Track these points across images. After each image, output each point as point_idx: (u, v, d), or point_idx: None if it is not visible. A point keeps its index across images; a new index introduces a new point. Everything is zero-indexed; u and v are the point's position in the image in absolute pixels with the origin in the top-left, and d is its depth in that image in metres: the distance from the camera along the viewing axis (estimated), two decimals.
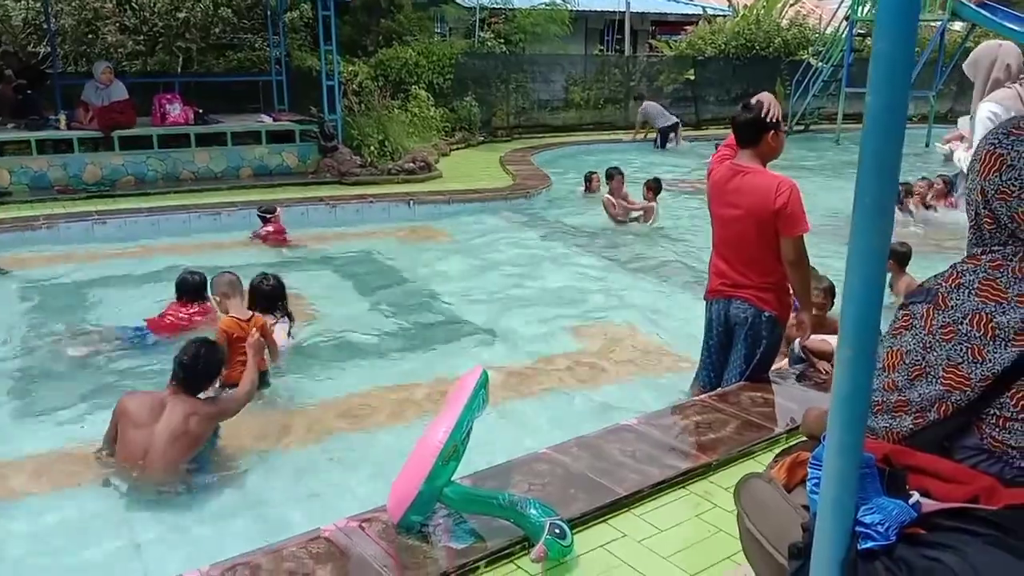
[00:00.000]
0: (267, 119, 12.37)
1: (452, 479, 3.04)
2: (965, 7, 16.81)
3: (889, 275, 6.71)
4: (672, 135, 17.56)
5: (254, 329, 4.77)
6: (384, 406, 4.83)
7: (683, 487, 3.48)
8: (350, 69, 13.68)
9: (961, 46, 19.82)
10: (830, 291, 5.31)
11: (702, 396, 4.30)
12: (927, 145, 17.67)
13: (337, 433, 4.56)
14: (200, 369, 4.13)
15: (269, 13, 14.61)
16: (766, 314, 4.20)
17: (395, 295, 7.17)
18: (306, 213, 9.94)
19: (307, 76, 13.65)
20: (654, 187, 10.17)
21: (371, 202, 10.38)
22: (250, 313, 5.05)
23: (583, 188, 11.84)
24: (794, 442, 3.31)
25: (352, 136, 12.44)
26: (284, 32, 14.44)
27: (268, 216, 8.87)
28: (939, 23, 17.29)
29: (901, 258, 6.58)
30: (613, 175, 10.38)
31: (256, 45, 15.97)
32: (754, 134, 4.10)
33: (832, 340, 4.65)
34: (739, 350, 4.35)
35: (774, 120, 4.09)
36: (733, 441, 3.82)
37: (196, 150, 11.35)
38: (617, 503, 3.29)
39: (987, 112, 3.79)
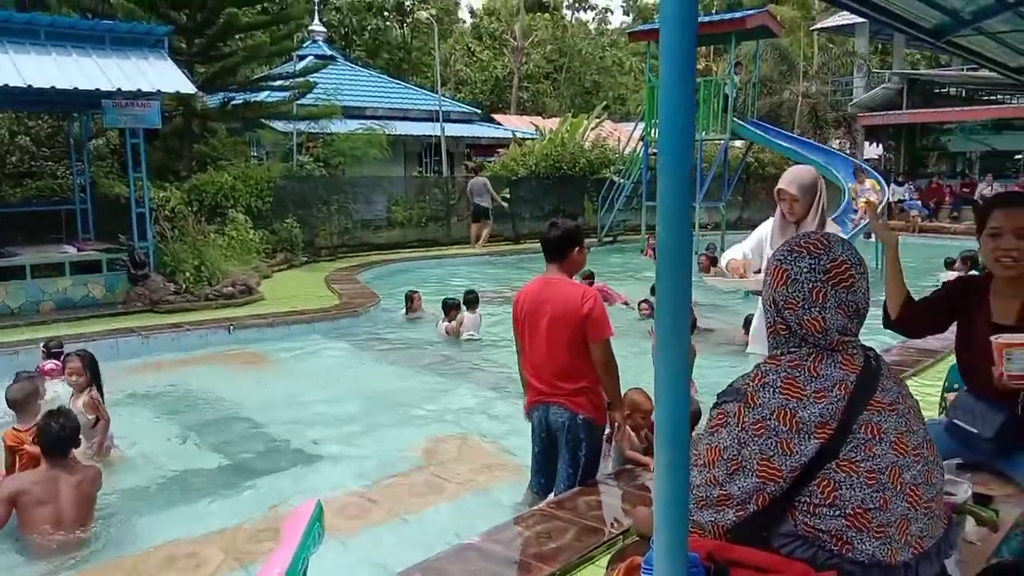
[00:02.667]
0: (71, 249, 11.67)
1: None
2: (742, 127, 18.84)
3: None
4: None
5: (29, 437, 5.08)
6: (213, 551, 4.51)
7: None
8: (162, 195, 13.26)
9: (742, 161, 22.11)
10: None
11: (541, 505, 4.35)
12: (721, 249, 19.32)
13: None
14: (65, 436, 4.60)
15: (72, 141, 14.01)
16: (580, 417, 4.40)
17: (218, 427, 6.81)
18: (115, 346, 9.33)
19: (115, 203, 13.09)
20: (470, 300, 10.37)
21: (187, 330, 9.93)
22: (31, 424, 5.18)
23: (404, 309, 11.54)
24: (629, 542, 3.43)
25: (165, 263, 11.95)
26: (89, 159, 13.87)
27: (60, 351, 7.73)
28: (722, 141, 19.22)
29: None
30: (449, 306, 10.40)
31: (58, 173, 15.18)
32: (560, 250, 4.45)
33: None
34: (563, 456, 4.51)
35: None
36: (573, 548, 3.87)
37: None
38: None
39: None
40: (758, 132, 19.11)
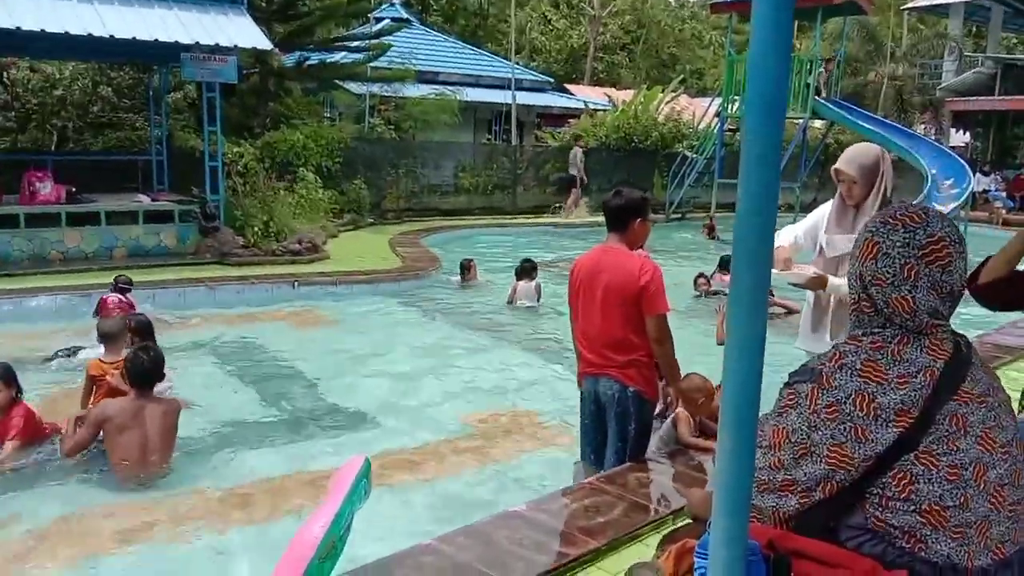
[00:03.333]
0: (145, 199, 11.95)
1: None
2: (824, 106, 18.22)
3: None
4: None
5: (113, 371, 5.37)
6: (264, 499, 4.58)
7: (573, 573, 3.41)
8: (235, 151, 13.46)
9: (822, 141, 21.41)
10: None
11: (589, 479, 4.27)
12: None
13: (216, 527, 4.26)
14: (152, 369, 4.85)
15: (152, 93, 14.31)
16: (631, 390, 4.28)
17: (277, 381, 6.90)
18: (183, 295, 9.57)
19: (190, 157, 13.35)
20: (526, 269, 10.26)
21: (253, 283, 10.10)
22: (119, 357, 5.48)
23: (459, 277, 11.38)
24: (680, 523, 3.32)
25: (235, 217, 12.16)
26: (167, 112, 14.16)
27: (127, 288, 8.20)
28: (801, 120, 18.62)
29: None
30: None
31: (137, 124, 15.59)
32: (621, 219, 4.31)
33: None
34: (612, 429, 4.42)
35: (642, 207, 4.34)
36: (620, 525, 3.79)
37: (67, 230, 10.81)
38: None
39: None
40: (840, 112, 18.46)
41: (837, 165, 4.02)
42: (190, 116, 15.67)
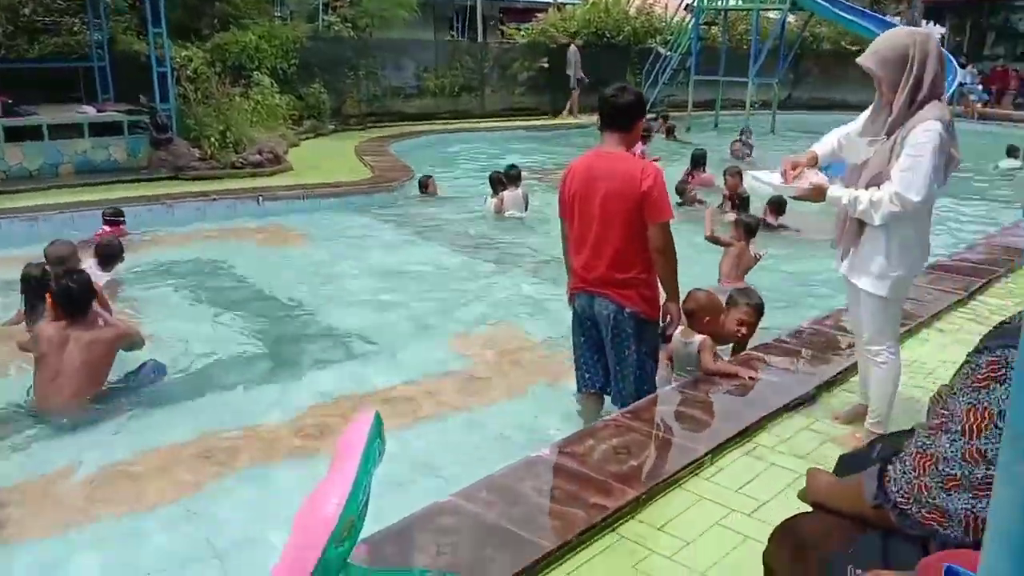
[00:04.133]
0: (90, 110, 11.02)
1: (348, 561, 2.45)
2: None
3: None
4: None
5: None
6: (249, 446, 4.11)
7: (612, 530, 3.04)
8: (183, 54, 12.46)
9: (799, 35, 20.68)
10: (758, 309, 4.81)
11: (615, 416, 3.88)
12: (772, 131, 18.33)
13: (195, 484, 3.80)
14: (75, 293, 4.44)
15: None
16: (627, 311, 3.93)
17: (250, 309, 6.34)
18: (139, 214, 8.84)
19: (134, 62, 12.32)
20: (512, 176, 9.69)
21: (214, 199, 9.41)
22: None
23: (419, 192, 10.62)
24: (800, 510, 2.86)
25: (189, 127, 11.31)
26: (106, 14, 12.99)
27: (118, 220, 7.89)
28: (779, 13, 17.87)
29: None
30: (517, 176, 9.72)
31: (75, 28, 14.32)
32: (628, 118, 3.91)
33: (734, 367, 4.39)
34: (611, 354, 4.08)
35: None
36: (657, 468, 3.42)
37: (7, 146, 9.91)
38: (544, 560, 2.81)
39: (935, 135, 3.27)
40: (819, 3, 17.71)
41: (858, 58, 3.47)
42: (132, 17, 14.44)
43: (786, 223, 8.69)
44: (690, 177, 10.71)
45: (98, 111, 11.03)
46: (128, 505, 3.62)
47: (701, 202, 9.93)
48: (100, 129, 10.68)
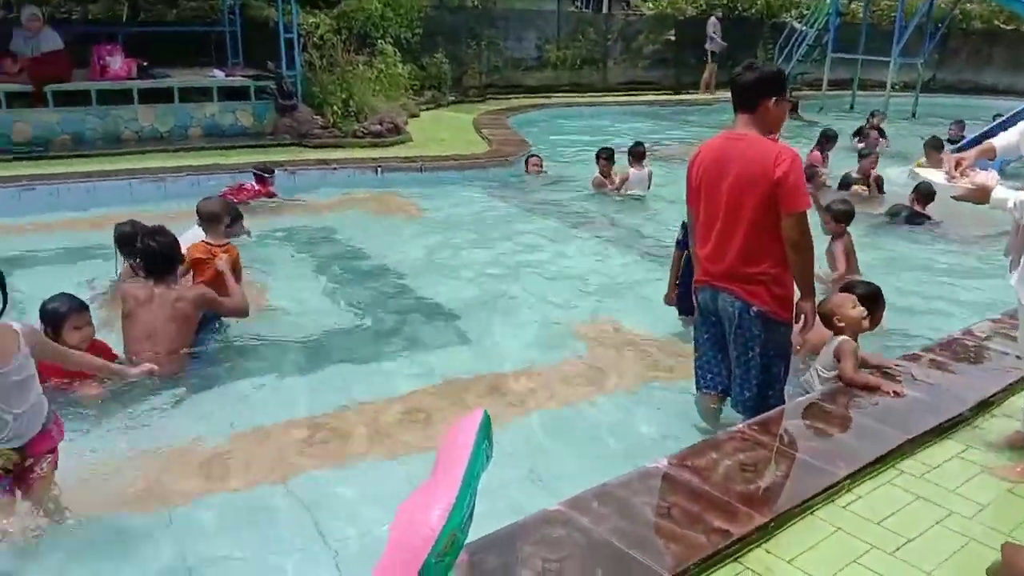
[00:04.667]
0: (219, 74, 11.28)
1: None
2: None
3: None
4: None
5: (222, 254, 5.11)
6: (354, 429, 4.00)
7: (736, 560, 2.76)
8: (310, 21, 12.58)
9: (949, 12, 19.20)
10: (871, 298, 4.24)
11: (740, 427, 3.55)
12: (914, 115, 17.13)
13: (298, 465, 3.72)
14: (161, 253, 4.51)
15: None
16: (755, 309, 3.62)
17: (362, 282, 6.29)
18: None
19: (263, 27, 12.52)
20: (638, 153, 9.31)
21: (335, 168, 9.46)
22: (225, 241, 5.32)
23: (524, 167, 10.19)
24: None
25: (313, 94, 11.42)
26: None
27: (266, 176, 8.26)
28: None
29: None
30: (600, 156, 9.37)
31: None
32: (753, 98, 3.58)
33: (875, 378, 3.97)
34: (734, 354, 3.78)
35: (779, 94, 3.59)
36: (787, 492, 3.10)
37: (140, 107, 10.27)
38: None
39: None
40: None
41: None
42: None
43: (933, 215, 7.99)
44: (822, 158, 10.05)
45: (227, 75, 11.28)
46: (232, 482, 3.56)
47: (829, 187, 9.32)
48: (228, 94, 10.93)
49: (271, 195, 8.31)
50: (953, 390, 3.98)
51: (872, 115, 13.10)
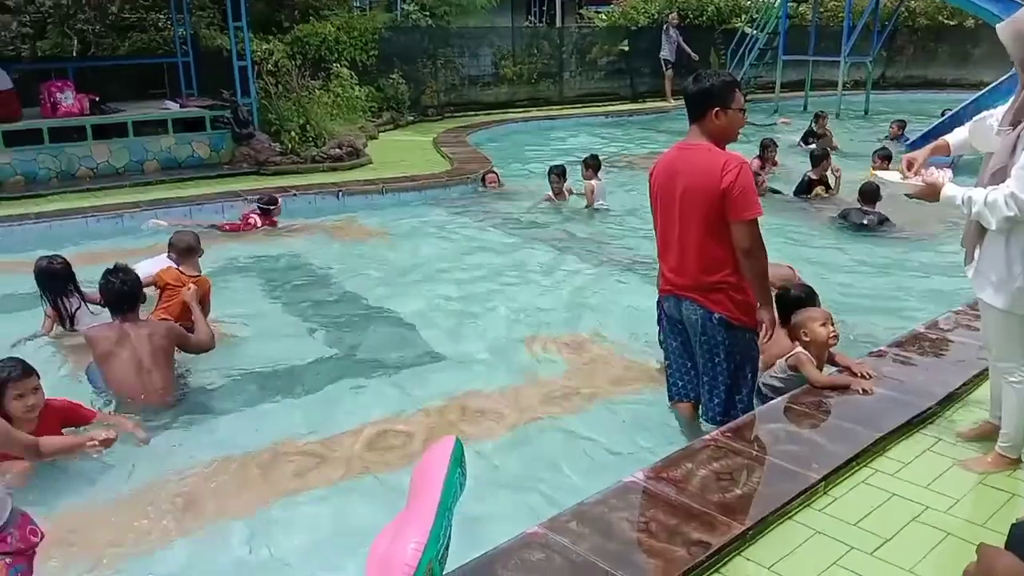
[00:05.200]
0: (173, 105, 11.17)
1: None
2: None
3: None
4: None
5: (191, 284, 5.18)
6: (322, 460, 3.93)
7: (717, 571, 2.75)
8: (264, 47, 12.52)
9: (895, 10, 19.62)
10: (808, 302, 4.34)
11: (714, 435, 3.56)
12: (866, 112, 17.45)
13: (262, 500, 3.64)
14: (127, 291, 4.55)
15: None
16: (716, 316, 3.66)
17: (329, 307, 6.22)
18: (221, 210, 8.89)
19: (217, 57, 12.42)
20: (592, 164, 9.30)
21: (294, 195, 9.37)
22: (199, 274, 5.44)
23: (480, 183, 10.28)
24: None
25: (270, 121, 11.33)
26: (189, 9, 13.15)
27: (271, 208, 8.32)
28: None
29: None
30: (552, 172, 9.38)
31: (160, 24, 14.58)
32: (701, 109, 3.63)
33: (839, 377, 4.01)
34: (701, 362, 3.81)
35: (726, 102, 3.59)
36: (764, 498, 3.10)
37: (94, 143, 10.10)
38: None
39: None
40: None
41: (997, 24, 3.09)
42: (214, 12, 14.62)
43: (886, 215, 8.11)
44: (762, 165, 10.15)
45: (181, 107, 11.16)
46: (191, 521, 3.48)
47: (776, 192, 9.42)
48: (184, 125, 10.79)
49: (274, 224, 8.36)
50: (921, 384, 4.02)
51: (816, 117, 13.17)
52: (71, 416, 3.95)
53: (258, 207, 8.37)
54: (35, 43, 14.50)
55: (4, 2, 13.82)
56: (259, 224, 8.27)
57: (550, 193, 9.38)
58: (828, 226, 8.38)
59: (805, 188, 9.33)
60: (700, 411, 3.99)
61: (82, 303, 5.30)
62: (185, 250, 5.49)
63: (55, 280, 5.27)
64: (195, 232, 5.87)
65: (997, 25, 3.10)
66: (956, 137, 3.47)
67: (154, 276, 5.35)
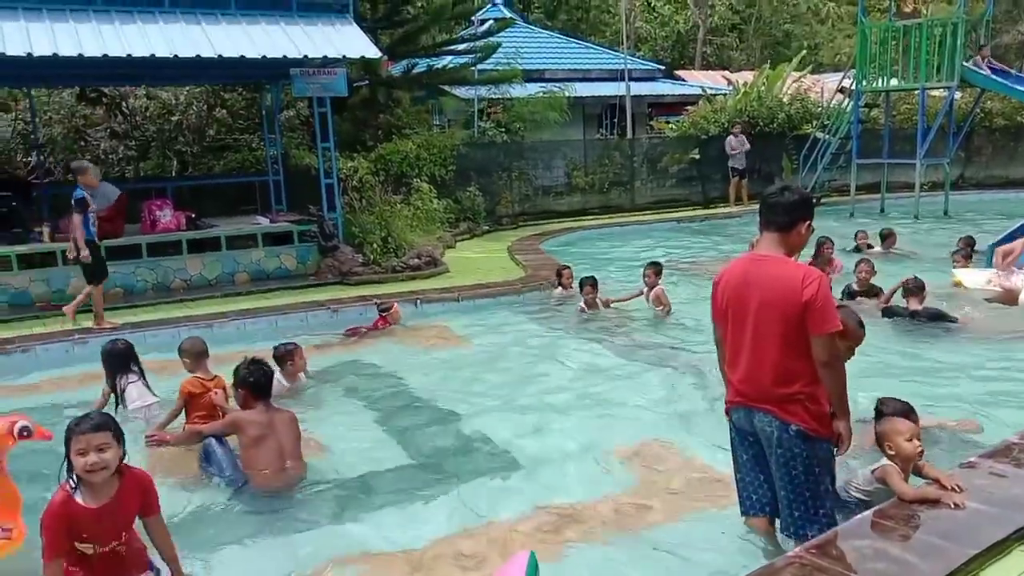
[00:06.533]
0: (264, 220, 11.81)
1: None
2: (974, 73, 16.49)
3: None
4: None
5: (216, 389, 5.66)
6: (403, 573, 3.95)
7: None
8: (349, 165, 13.20)
9: (971, 111, 19.52)
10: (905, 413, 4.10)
11: (797, 552, 3.45)
12: (946, 213, 17.16)
13: None
14: (267, 380, 5.14)
15: (265, 112, 14.23)
16: (793, 428, 3.57)
17: (404, 414, 6.32)
18: (305, 319, 9.24)
19: (305, 174, 13.16)
20: (656, 270, 9.32)
21: (376, 303, 9.66)
22: (213, 375, 5.79)
23: (555, 287, 10.17)
24: None
25: (353, 234, 11.86)
26: (280, 131, 14.04)
27: (385, 313, 8.91)
28: (948, 91, 16.96)
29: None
30: (585, 284, 9.35)
31: (253, 145, 15.60)
32: (789, 219, 3.65)
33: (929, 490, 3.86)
34: (777, 476, 3.71)
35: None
36: None
37: (188, 257, 10.73)
38: None
39: None
40: (993, 78, 16.65)
41: None
42: (303, 133, 15.56)
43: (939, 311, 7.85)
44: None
45: (271, 221, 11.78)
46: None
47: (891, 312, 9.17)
48: (273, 239, 11.38)
49: (389, 325, 8.91)
50: (1016, 498, 3.83)
51: (856, 236, 12.70)
52: (151, 499, 3.49)
53: (378, 309, 8.97)
54: (138, 164, 15.64)
55: (114, 128, 15.03)
56: (380, 324, 8.82)
57: (583, 304, 9.30)
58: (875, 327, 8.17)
59: (850, 296, 9.00)
60: (780, 525, 3.86)
61: (139, 382, 5.95)
62: (198, 355, 5.86)
63: (116, 358, 5.93)
64: (201, 338, 6.25)
65: None
66: None
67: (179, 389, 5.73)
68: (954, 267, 9.20)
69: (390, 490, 4.93)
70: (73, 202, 8.54)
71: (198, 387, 5.64)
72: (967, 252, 9.62)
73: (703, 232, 16.67)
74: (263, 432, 4.89)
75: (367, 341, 8.56)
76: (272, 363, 5.91)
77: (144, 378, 6.10)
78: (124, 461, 3.36)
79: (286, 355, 6.60)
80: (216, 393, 5.62)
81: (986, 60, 16.74)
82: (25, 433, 3.40)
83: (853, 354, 4.20)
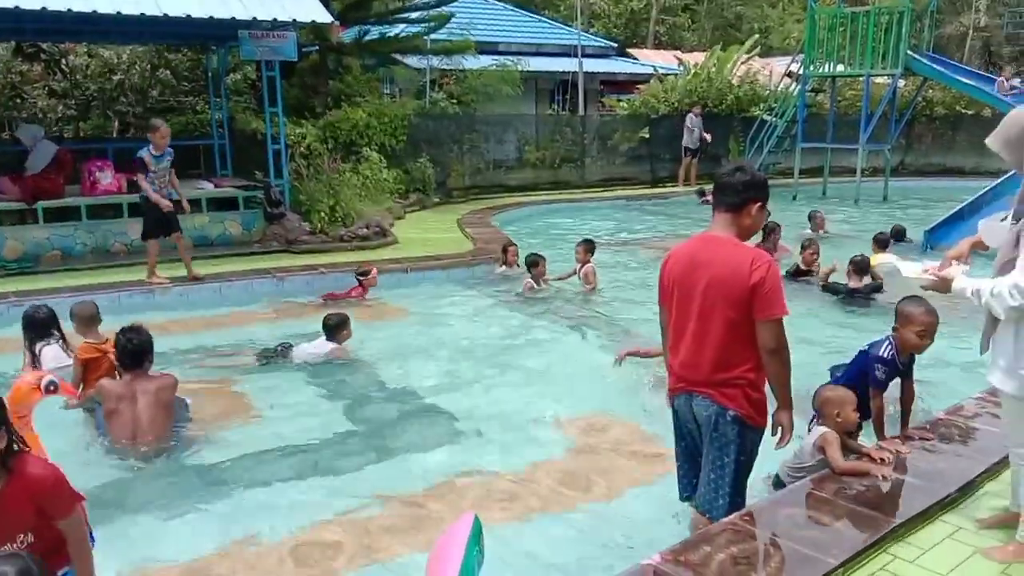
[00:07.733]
0: (208, 185, 11.54)
1: None
2: (917, 62, 16.89)
3: None
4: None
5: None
6: (344, 538, 3.97)
7: None
8: (298, 132, 12.97)
9: (913, 99, 20.02)
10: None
11: (733, 519, 3.55)
12: (885, 199, 17.63)
13: None
14: (137, 349, 4.95)
15: (210, 74, 13.88)
16: (730, 413, 3.51)
17: (350, 387, 6.32)
18: (250, 287, 9.11)
19: (251, 139, 12.89)
20: (588, 247, 9.37)
21: (322, 273, 9.59)
22: (104, 338, 5.62)
23: (499, 263, 10.21)
24: None
25: (300, 202, 11.68)
26: (226, 94, 13.71)
27: (363, 278, 8.85)
28: (891, 79, 17.36)
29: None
30: (539, 262, 9.37)
31: (198, 108, 15.23)
32: (739, 200, 3.53)
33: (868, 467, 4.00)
34: (707, 456, 3.64)
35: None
36: None
37: (129, 220, 10.43)
38: None
39: None
40: (936, 67, 17.09)
41: (986, 139, 3.29)
42: (250, 98, 15.24)
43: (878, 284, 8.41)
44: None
45: (215, 186, 11.53)
46: None
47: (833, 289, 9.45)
48: (217, 204, 11.15)
49: (366, 293, 8.91)
50: (942, 471, 4.01)
51: (810, 217, 12.97)
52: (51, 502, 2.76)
53: (355, 277, 8.91)
54: (78, 124, 15.16)
55: (52, 86, 14.52)
56: (358, 291, 8.82)
57: (531, 281, 9.31)
58: (813, 299, 8.47)
59: (793, 274, 9.29)
60: (696, 500, 3.75)
61: (55, 346, 5.80)
62: (89, 319, 5.77)
63: (37, 325, 5.82)
64: (94, 302, 6.15)
65: (986, 140, 3.26)
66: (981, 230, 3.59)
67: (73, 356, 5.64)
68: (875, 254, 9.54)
69: (330, 457, 4.97)
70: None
71: (92, 352, 5.57)
72: (885, 240, 9.95)
73: (650, 211, 16.86)
74: (117, 405, 4.88)
75: (314, 309, 8.48)
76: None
77: (65, 341, 5.94)
78: (15, 451, 2.67)
79: (339, 325, 6.79)
80: (112, 353, 5.36)
81: (1009, 81, 17.24)
82: (52, 388, 3.38)
83: (931, 341, 4.19)
